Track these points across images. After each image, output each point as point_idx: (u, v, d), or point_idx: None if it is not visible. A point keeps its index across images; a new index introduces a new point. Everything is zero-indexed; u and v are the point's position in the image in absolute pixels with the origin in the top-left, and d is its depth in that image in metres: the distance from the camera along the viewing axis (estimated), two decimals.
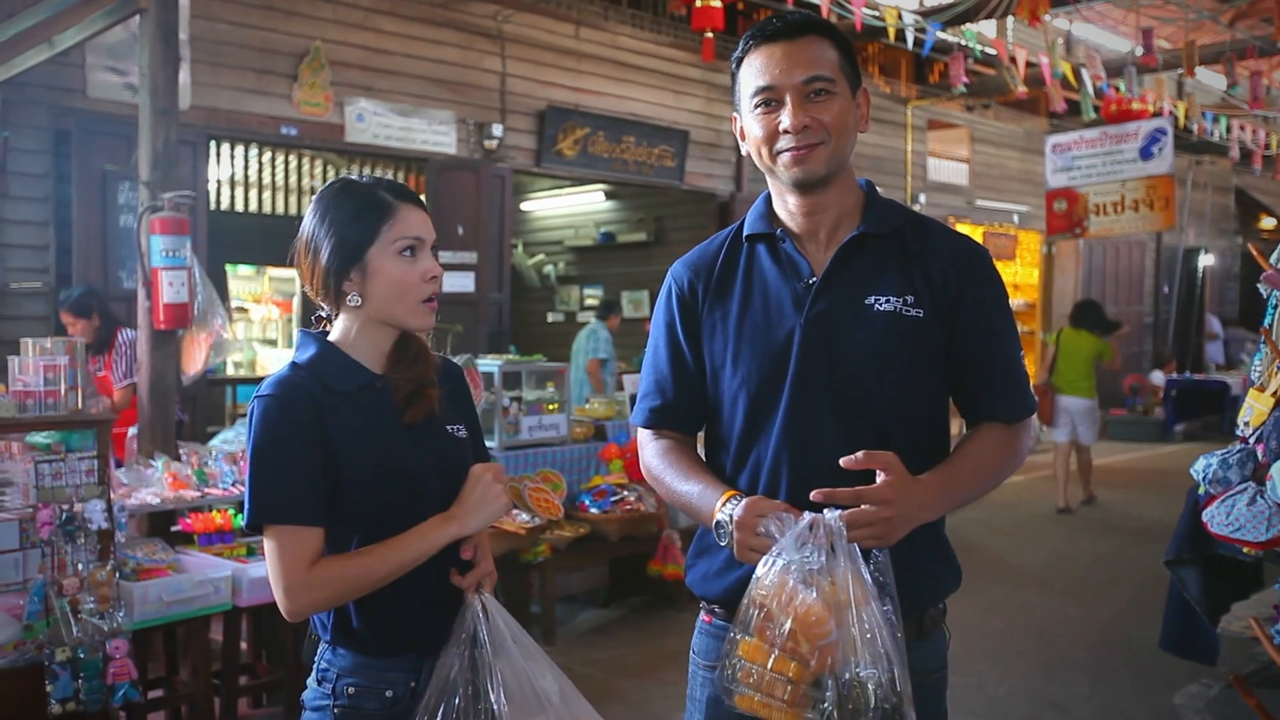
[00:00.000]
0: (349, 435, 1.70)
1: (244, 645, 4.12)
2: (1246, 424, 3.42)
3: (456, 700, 1.65)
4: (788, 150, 1.66)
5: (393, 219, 1.73)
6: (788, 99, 1.65)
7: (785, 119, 1.65)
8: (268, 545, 1.65)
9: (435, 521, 1.72)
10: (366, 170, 8.82)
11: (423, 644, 1.75)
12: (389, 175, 8.83)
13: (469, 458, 1.84)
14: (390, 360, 1.79)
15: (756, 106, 1.68)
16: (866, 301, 1.67)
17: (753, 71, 1.68)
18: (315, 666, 1.79)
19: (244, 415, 9.06)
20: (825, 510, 1.52)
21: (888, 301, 1.67)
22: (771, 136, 1.67)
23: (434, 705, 1.65)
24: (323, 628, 1.76)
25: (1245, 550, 3.30)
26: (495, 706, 1.65)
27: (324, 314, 1.83)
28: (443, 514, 1.73)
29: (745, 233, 1.79)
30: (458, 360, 3.59)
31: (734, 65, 1.74)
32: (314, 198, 1.81)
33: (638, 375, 7.29)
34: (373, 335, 1.78)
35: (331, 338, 1.79)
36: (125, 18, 4.78)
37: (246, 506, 1.67)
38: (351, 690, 1.73)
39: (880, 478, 1.55)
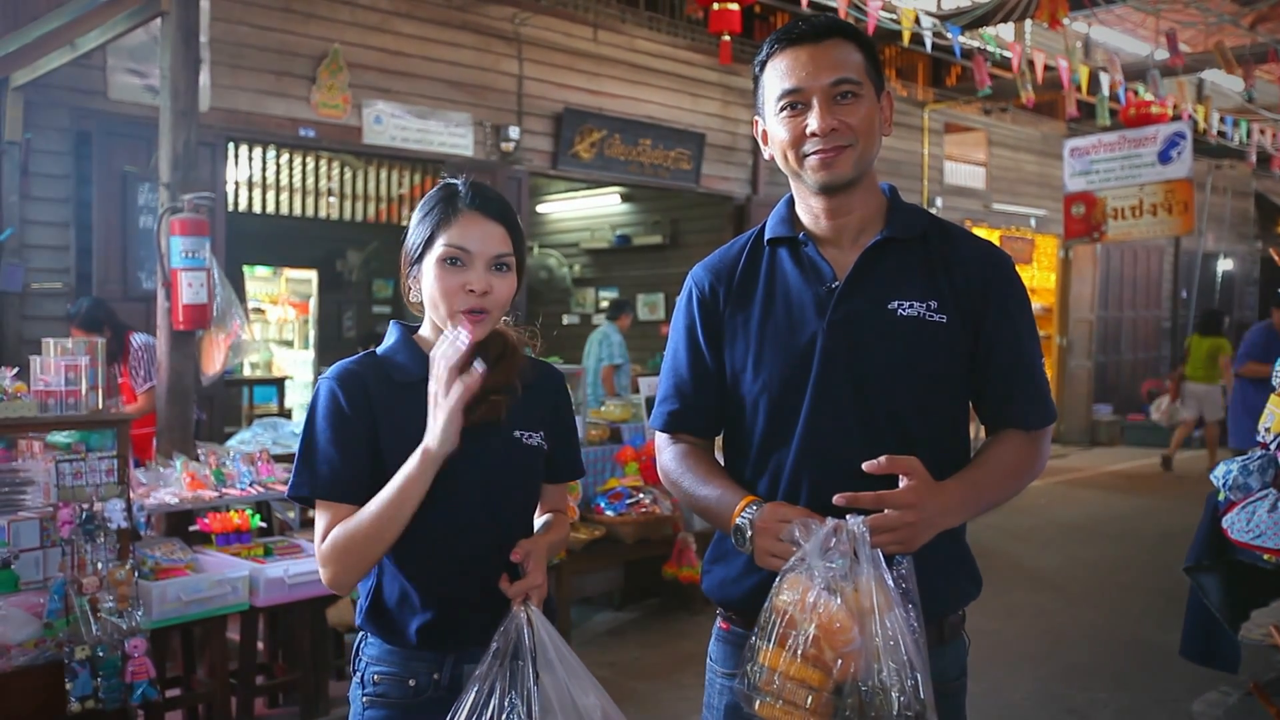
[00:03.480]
0: (396, 429, 1.72)
1: (261, 645, 4.14)
2: (1268, 430, 3.40)
3: (491, 712, 1.61)
4: (815, 153, 1.65)
5: (450, 226, 1.73)
6: (815, 101, 1.64)
7: (813, 121, 1.64)
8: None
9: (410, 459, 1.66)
10: (384, 173, 8.86)
11: (452, 643, 1.75)
12: (405, 178, 8.89)
13: (538, 466, 1.83)
14: (465, 359, 1.76)
15: (782, 110, 1.67)
16: (890, 306, 1.65)
17: (778, 74, 1.67)
18: (353, 661, 1.83)
19: (260, 416, 9.04)
20: (848, 515, 1.50)
21: (911, 306, 1.65)
22: (798, 139, 1.66)
23: (469, 713, 1.62)
24: (360, 611, 1.79)
25: (1266, 557, 3.28)
26: None
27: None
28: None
29: (767, 236, 1.77)
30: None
31: (757, 68, 1.72)
32: None
33: (653, 378, 7.24)
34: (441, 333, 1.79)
35: (420, 331, 1.82)
36: (147, 20, 4.82)
37: (290, 480, 1.75)
38: (377, 678, 1.76)
39: (903, 482, 1.54)
